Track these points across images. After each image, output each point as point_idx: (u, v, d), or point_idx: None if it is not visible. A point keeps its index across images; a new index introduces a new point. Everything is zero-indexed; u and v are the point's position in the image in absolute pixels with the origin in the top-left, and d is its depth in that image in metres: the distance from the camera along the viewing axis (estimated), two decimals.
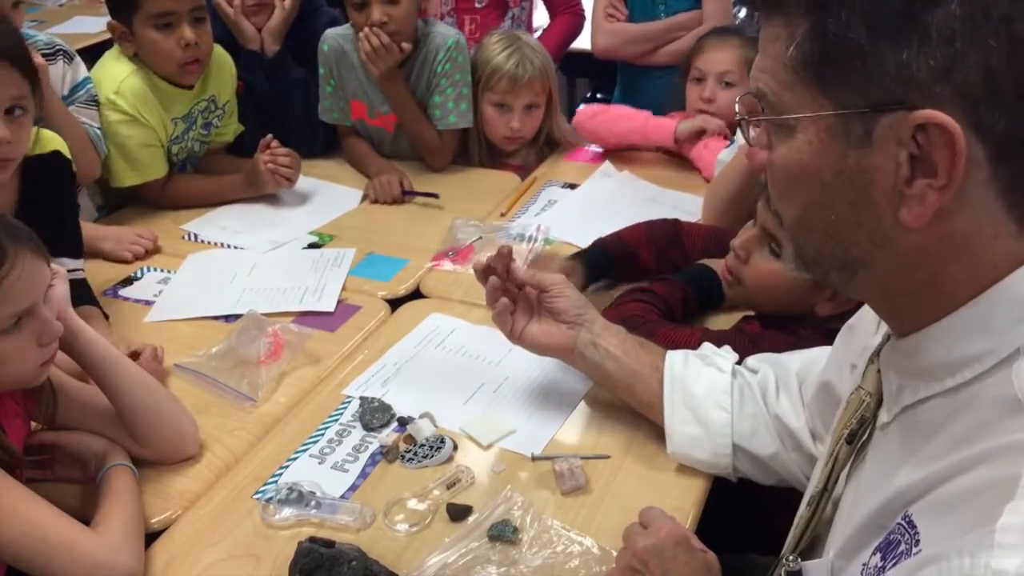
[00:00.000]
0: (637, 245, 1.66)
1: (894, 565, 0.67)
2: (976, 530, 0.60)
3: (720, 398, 1.18)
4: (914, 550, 0.66)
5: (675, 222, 1.72)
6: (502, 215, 2.01)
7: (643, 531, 0.99)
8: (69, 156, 1.56)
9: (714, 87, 2.13)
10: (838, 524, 0.84)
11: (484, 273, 1.30)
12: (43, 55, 1.81)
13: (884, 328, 0.81)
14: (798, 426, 1.13)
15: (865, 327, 0.92)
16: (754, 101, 0.73)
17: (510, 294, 1.30)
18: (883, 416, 0.79)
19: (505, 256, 1.28)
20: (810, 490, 0.90)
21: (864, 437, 0.82)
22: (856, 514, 0.78)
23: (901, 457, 0.74)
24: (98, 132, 1.91)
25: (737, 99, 0.77)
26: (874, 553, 0.71)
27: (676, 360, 1.23)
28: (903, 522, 0.69)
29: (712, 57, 2.13)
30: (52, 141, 1.53)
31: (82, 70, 1.93)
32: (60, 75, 1.86)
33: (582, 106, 2.26)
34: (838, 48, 0.65)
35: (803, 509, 0.90)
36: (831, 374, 1.02)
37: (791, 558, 0.85)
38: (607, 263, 1.64)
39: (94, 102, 1.92)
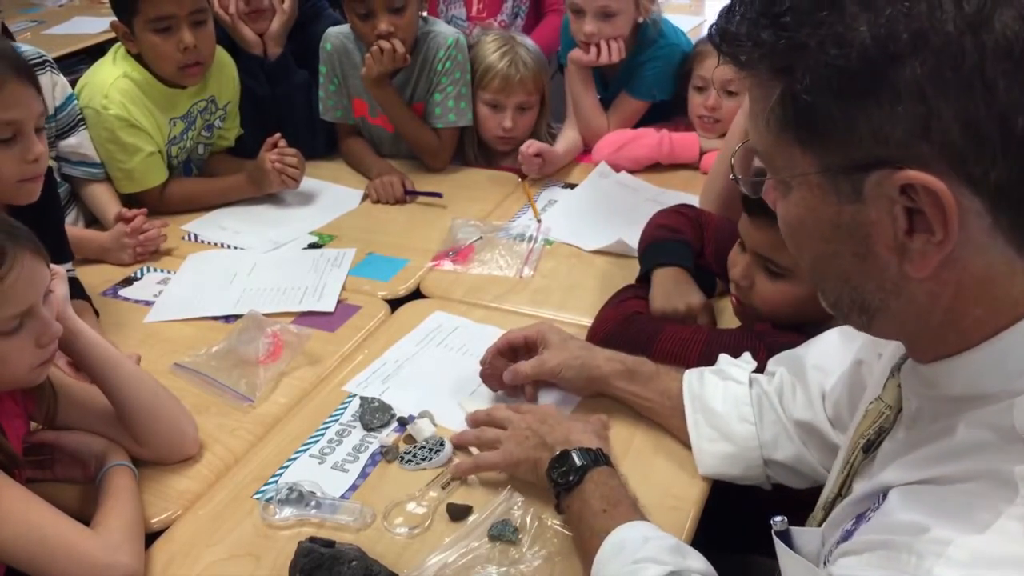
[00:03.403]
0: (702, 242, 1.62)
1: (855, 531, 0.71)
2: (936, 533, 0.61)
3: (742, 410, 1.17)
4: (871, 514, 0.71)
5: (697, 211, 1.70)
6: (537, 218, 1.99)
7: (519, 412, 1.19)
8: (50, 163, 1.56)
9: (717, 96, 2.12)
10: None
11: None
12: (31, 65, 1.81)
13: None
14: (813, 417, 1.11)
15: None
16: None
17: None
18: (900, 432, 0.79)
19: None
20: (825, 493, 0.90)
21: (880, 445, 0.82)
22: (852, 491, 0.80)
23: (897, 453, 0.75)
24: (96, 167, 1.94)
25: (736, 154, 0.77)
26: (852, 521, 0.75)
27: (692, 379, 1.23)
28: (880, 496, 0.72)
29: (715, 64, 2.10)
30: None
31: (65, 83, 1.93)
32: (50, 85, 1.86)
33: (600, 143, 2.24)
34: (808, 113, 0.64)
35: (818, 513, 0.90)
36: (865, 352, 1.00)
37: (778, 519, 0.85)
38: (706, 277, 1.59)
39: (81, 121, 1.93)
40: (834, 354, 1.10)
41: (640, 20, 2.18)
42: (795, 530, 0.84)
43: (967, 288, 0.65)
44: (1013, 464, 0.62)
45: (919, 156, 0.61)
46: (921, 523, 0.64)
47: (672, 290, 1.46)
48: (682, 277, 1.49)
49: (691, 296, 1.45)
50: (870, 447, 0.82)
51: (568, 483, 1.07)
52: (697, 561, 0.95)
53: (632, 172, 2.18)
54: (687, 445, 1.22)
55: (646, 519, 1.02)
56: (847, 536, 0.73)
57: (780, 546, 0.83)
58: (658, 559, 0.92)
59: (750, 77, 0.69)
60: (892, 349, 0.85)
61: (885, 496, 0.71)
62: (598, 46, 2.15)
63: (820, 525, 0.87)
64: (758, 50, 0.66)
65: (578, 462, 1.08)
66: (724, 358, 1.25)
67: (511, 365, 1.32)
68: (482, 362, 1.35)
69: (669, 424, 1.25)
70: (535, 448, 1.15)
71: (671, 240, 1.58)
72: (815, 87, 0.63)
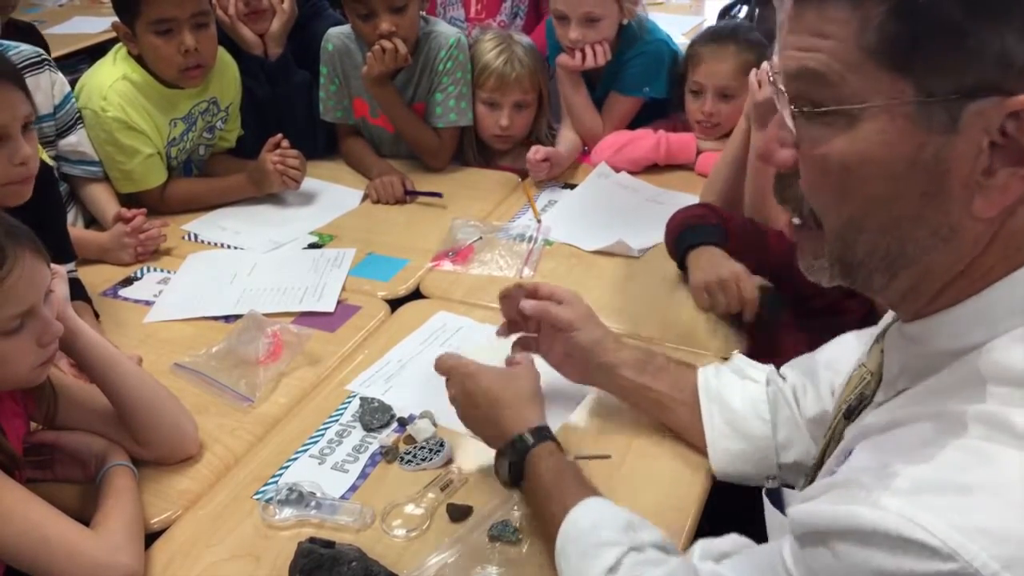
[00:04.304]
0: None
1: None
2: (886, 469, 0.63)
3: (759, 409, 1.16)
4: (836, 468, 0.73)
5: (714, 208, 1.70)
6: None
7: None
8: (50, 163, 1.56)
9: (714, 101, 2.11)
10: None
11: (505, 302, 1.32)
12: (30, 65, 1.83)
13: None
14: (822, 411, 1.10)
15: None
16: (790, 90, 0.68)
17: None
18: (879, 396, 0.79)
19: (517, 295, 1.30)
20: (812, 463, 0.91)
21: (861, 412, 0.83)
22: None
23: (875, 404, 0.77)
24: (95, 166, 1.95)
25: (781, 81, 0.71)
26: (823, 478, 0.77)
27: (709, 374, 1.21)
28: (846, 454, 0.74)
29: (710, 70, 2.09)
30: None
31: (64, 81, 1.93)
32: (49, 84, 1.86)
33: (598, 145, 2.24)
34: (930, 30, 0.61)
35: (802, 480, 0.92)
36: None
37: (770, 478, 0.86)
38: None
39: (80, 120, 1.93)
40: (848, 354, 1.08)
41: (624, 22, 2.19)
42: (786, 491, 0.87)
43: (1005, 235, 0.66)
44: (969, 404, 0.63)
45: None
46: (875, 463, 0.66)
47: (709, 262, 1.47)
48: (717, 251, 1.50)
49: (734, 265, 1.45)
50: (851, 413, 0.83)
51: (511, 482, 1.10)
52: (650, 533, 0.96)
53: (631, 173, 2.18)
54: (689, 444, 1.22)
55: (590, 492, 1.02)
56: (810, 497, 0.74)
57: (766, 503, 0.85)
58: (613, 541, 0.93)
59: (836, 1, 0.64)
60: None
61: (850, 454, 0.73)
62: (583, 51, 2.15)
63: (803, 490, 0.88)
64: None
65: (509, 460, 1.09)
66: (740, 358, 1.24)
67: (529, 300, 1.29)
68: (507, 291, 1.32)
69: (675, 418, 1.22)
70: (479, 430, 1.18)
71: (700, 224, 1.58)
72: (944, 1, 0.60)
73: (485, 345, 1.39)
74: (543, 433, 1.10)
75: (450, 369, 1.21)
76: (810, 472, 0.90)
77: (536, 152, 2.13)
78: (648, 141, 2.18)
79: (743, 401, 1.17)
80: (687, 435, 1.22)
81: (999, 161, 0.62)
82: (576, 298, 1.29)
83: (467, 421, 1.20)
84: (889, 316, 0.82)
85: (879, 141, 0.64)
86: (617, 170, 2.18)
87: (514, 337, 1.34)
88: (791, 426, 1.14)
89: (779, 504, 0.85)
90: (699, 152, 2.16)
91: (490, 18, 2.68)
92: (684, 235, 1.58)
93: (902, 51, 0.62)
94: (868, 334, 0.97)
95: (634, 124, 2.30)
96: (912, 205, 0.66)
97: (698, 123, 2.16)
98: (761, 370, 1.20)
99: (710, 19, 3.55)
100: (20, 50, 1.83)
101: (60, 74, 1.91)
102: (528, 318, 1.29)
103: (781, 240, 1.52)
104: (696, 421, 1.18)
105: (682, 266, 1.57)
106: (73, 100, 1.93)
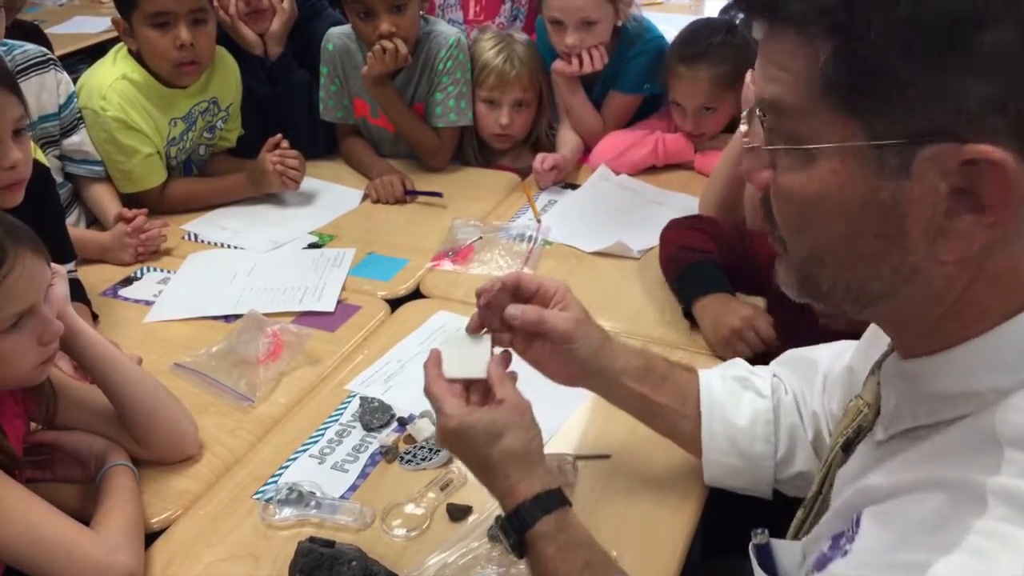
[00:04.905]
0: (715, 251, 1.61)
1: (831, 559, 0.68)
2: (907, 556, 0.59)
3: (764, 430, 1.09)
4: (847, 547, 0.67)
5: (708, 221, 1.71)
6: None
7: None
8: (47, 164, 1.56)
9: (695, 119, 2.11)
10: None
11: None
12: (36, 64, 1.84)
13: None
14: (819, 411, 1.07)
15: None
16: (763, 115, 0.66)
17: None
18: (879, 433, 0.75)
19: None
20: (808, 495, 0.88)
21: (858, 444, 0.80)
22: (832, 504, 0.78)
23: (878, 459, 0.73)
24: (98, 165, 1.95)
25: (744, 118, 0.69)
26: (828, 540, 0.72)
27: (713, 384, 1.12)
28: (854, 518, 0.69)
29: (686, 90, 2.07)
30: None
31: (68, 81, 1.93)
32: (55, 84, 1.87)
33: (597, 149, 2.24)
34: (870, 75, 0.58)
35: (799, 512, 0.89)
36: (856, 360, 0.97)
37: (758, 531, 0.82)
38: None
39: (82, 119, 1.93)
40: (847, 354, 1.04)
41: (619, 24, 2.18)
42: (775, 543, 0.82)
43: (988, 276, 0.62)
44: (986, 475, 0.59)
45: (987, 129, 0.56)
46: (893, 544, 0.62)
47: (718, 314, 1.46)
48: (721, 298, 1.48)
49: (742, 310, 1.44)
50: (849, 446, 0.79)
51: (517, 556, 0.93)
52: None
53: (630, 175, 2.18)
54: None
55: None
56: (823, 563, 0.70)
57: (754, 563, 0.81)
58: None
59: (787, 32, 0.62)
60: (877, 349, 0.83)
61: (858, 523, 0.68)
62: (580, 56, 2.14)
63: (798, 536, 0.85)
64: (813, 1, 0.60)
65: (508, 538, 0.92)
66: (742, 364, 1.18)
67: (517, 305, 1.06)
68: (482, 291, 1.06)
69: (673, 430, 1.14)
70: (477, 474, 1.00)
71: (699, 263, 1.56)
72: (883, 47, 0.57)
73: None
74: (545, 504, 0.91)
75: (429, 399, 1.00)
76: (807, 503, 0.85)
77: (544, 161, 2.12)
78: (646, 148, 2.17)
79: (748, 419, 1.10)
80: (684, 446, 1.15)
81: (963, 207, 0.59)
82: (567, 295, 1.09)
83: (468, 465, 1.01)
84: (881, 345, 0.79)
85: (833, 181, 0.63)
86: (617, 172, 2.18)
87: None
88: (794, 439, 1.09)
89: (768, 561, 0.81)
90: (697, 150, 2.16)
91: (489, 20, 2.68)
92: (684, 280, 1.56)
93: (847, 93, 0.60)
94: (862, 354, 0.95)
95: (632, 118, 2.31)
96: (869, 244, 0.64)
97: (687, 133, 2.16)
98: (766, 379, 1.13)
99: None
100: (26, 49, 1.84)
101: (65, 74, 1.91)
102: (511, 326, 1.06)
103: (764, 247, 1.54)
104: (695, 433, 1.11)
105: (687, 313, 1.54)
106: (74, 104, 1.93)
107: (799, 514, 0.89)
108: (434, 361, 1.01)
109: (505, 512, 0.93)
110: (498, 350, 1.06)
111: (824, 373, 1.08)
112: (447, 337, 1.07)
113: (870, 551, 0.65)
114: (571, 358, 1.07)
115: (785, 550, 0.82)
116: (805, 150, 0.63)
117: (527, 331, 1.05)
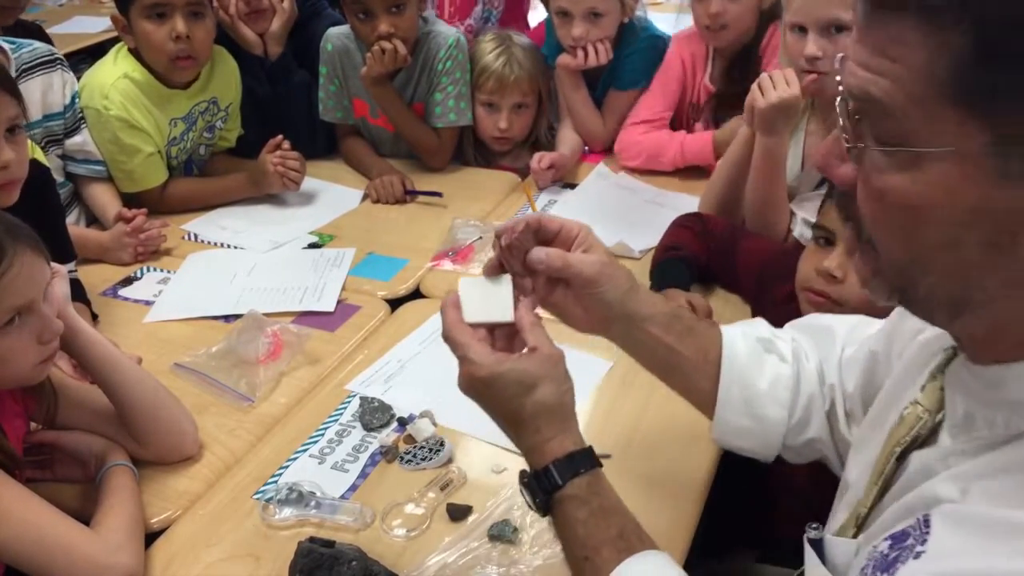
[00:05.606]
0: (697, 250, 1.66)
1: (896, 559, 0.66)
2: (986, 560, 0.58)
3: (781, 395, 1.04)
4: (918, 548, 0.64)
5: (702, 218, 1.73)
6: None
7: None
8: (46, 163, 1.56)
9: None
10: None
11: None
12: (44, 63, 1.84)
13: (943, 336, 0.73)
14: (836, 384, 1.04)
15: None
16: (852, 107, 0.62)
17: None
18: (945, 439, 0.72)
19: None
20: (854, 504, 0.81)
21: (913, 452, 0.75)
22: (889, 502, 0.75)
23: (941, 464, 0.69)
24: (100, 165, 1.95)
25: (836, 104, 0.63)
26: (886, 539, 0.69)
27: (737, 342, 1.05)
28: (920, 519, 0.66)
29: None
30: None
31: (74, 81, 1.94)
32: (61, 83, 1.87)
33: (625, 152, 2.22)
34: (1002, 70, 0.54)
35: (849, 526, 0.82)
36: (879, 344, 0.95)
37: (813, 525, 0.78)
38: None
39: (83, 120, 1.93)
40: (868, 329, 1.02)
41: (625, 20, 2.19)
42: (829, 539, 0.79)
43: None
44: None
45: None
46: (966, 545, 0.60)
47: None
48: (673, 293, 1.54)
49: (679, 300, 1.50)
50: (904, 455, 0.75)
51: (543, 514, 0.90)
52: None
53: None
54: (690, 439, 1.21)
55: (646, 545, 0.85)
56: (887, 566, 0.67)
57: (810, 555, 0.77)
58: None
59: (905, 17, 0.57)
60: (915, 352, 0.80)
61: (927, 523, 0.65)
62: (585, 49, 2.15)
63: (855, 537, 0.81)
64: None
65: (533, 496, 0.89)
66: (764, 325, 1.11)
67: (542, 248, 0.99)
68: (503, 231, 0.99)
69: (693, 384, 1.07)
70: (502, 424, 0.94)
71: (669, 259, 1.65)
72: (1020, 38, 0.53)
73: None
74: (577, 463, 0.87)
75: (450, 345, 0.95)
76: (859, 520, 0.81)
77: (541, 160, 2.12)
78: (670, 153, 2.15)
79: (768, 382, 1.04)
80: (696, 403, 1.09)
81: None
82: (590, 236, 1.02)
83: (492, 415, 0.94)
84: (944, 345, 0.75)
85: (943, 186, 0.58)
86: (617, 171, 2.18)
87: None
88: (810, 408, 1.04)
89: (821, 551, 0.78)
90: (717, 156, 2.15)
91: (460, 20, 2.67)
92: (654, 277, 1.63)
93: (980, 91, 0.55)
94: (886, 339, 0.93)
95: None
96: (976, 253, 0.60)
97: (706, 28, 2.06)
98: (787, 343, 1.08)
99: None
100: (35, 48, 1.84)
101: (71, 74, 1.92)
102: (534, 270, 0.99)
103: (751, 253, 1.59)
104: (713, 391, 1.05)
105: None
106: (77, 104, 1.93)
107: (849, 528, 0.82)
108: (453, 304, 0.95)
109: (532, 468, 0.89)
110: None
111: (842, 346, 1.05)
112: (464, 280, 1.00)
113: (947, 552, 0.63)
114: (597, 302, 1.00)
115: (838, 548, 0.78)
116: (911, 152, 0.59)
117: (551, 276, 1.00)
